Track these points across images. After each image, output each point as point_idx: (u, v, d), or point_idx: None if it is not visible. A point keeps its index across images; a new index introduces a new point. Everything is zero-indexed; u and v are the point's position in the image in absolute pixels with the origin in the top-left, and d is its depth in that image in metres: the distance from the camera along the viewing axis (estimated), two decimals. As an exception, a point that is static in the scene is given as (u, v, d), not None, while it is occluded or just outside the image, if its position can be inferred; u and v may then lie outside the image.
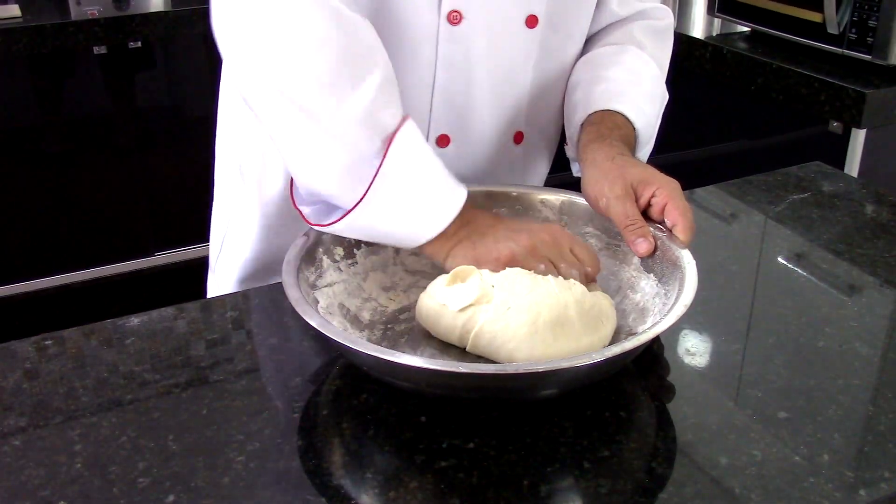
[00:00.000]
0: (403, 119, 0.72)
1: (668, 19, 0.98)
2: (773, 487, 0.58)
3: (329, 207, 0.74)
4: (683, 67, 1.80)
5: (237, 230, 0.96)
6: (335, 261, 0.76)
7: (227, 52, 0.72)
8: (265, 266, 0.93)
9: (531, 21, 0.85)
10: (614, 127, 0.84)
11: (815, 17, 1.58)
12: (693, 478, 0.59)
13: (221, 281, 0.99)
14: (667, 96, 0.93)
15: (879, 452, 0.62)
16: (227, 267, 0.98)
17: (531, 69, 0.89)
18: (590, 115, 0.86)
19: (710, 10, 1.83)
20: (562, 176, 0.96)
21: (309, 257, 0.73)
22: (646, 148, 0.90)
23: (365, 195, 0.70)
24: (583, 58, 0.93)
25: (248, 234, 0.94)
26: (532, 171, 0.99)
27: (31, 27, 1.77)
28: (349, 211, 0.71)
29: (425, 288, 0.73)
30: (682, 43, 1.79)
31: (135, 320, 0.77)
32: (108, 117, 1.93)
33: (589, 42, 0.95)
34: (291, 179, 0.76)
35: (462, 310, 0.68)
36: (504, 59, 0.86)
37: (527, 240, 0.73)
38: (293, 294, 0.67)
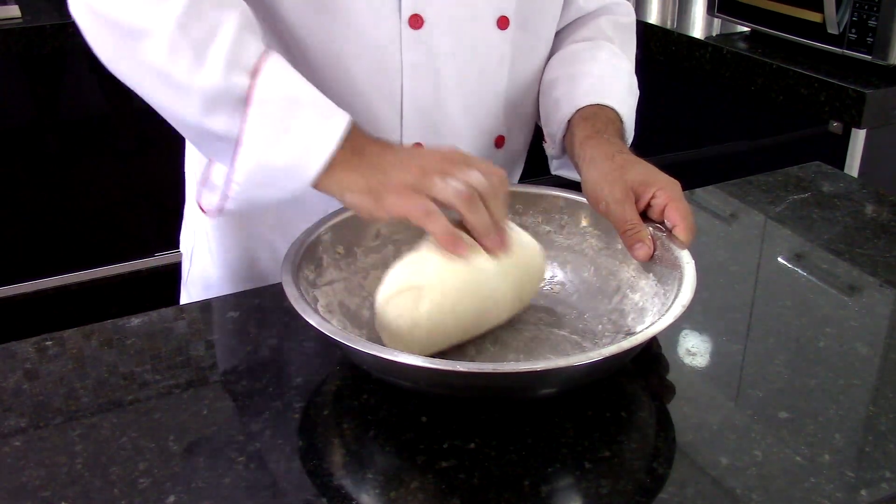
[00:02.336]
0: (266, 52, 0.69)
1: (631, 16, 0.97)
2: (774, 488, 0.58)
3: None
4: (683, 67, 1.80)
5: (204, 240, 0.95)
6: (335, 259, 0.76)
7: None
8: (234, 275, 0.92)
9: (502, 22, 0.84)
10: (608, 122, 0.83)
11: (814, 17, 1.58)
12: (694, 478, 0.59)
13: (193, 292, 0.98)
14: (638, 92, 0.92)
15: (880, 452, 0.62)
16: (196, 278, 0.97)
17: (506, 71, 0.88)
18: (579, 110, 0.84)
19: (710, 10, 1.83)
20: (546, 178, 0.96)
21: (308, 255, 0.73)
22: (627, 142, 0.88)
23: (242, 133, 0.68)
24: (556, 55, 0.92)
25: (215, 244, 0.93)
26: (513, 174, 0.99)
27: (31, 28, 1.77)
28: (234, 158, 0.69)
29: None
30: (682, 43, 1.80)
31: (135, 321, 0.77)
32: (107, 118, 1.93)
33: (558, 38, 0.94)
34: (204, 179, 0.76)
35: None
36: (476, 62, 0.85)
37: (416, 166, 0.68)
38: (292, 293, 0.67)
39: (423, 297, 0.66)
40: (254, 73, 0.68)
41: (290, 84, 0.70)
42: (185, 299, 1.00)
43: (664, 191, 0.74)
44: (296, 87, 0.70)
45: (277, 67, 0.70)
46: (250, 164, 0.69)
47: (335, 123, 0.69)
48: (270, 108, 0.69)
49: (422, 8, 0.80)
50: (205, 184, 0.77)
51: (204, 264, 0.96)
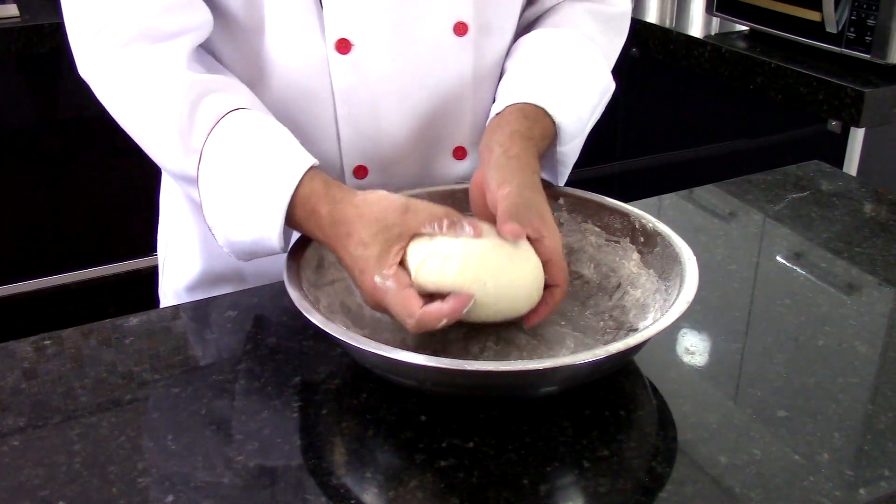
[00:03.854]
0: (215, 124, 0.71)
1: (622, 6, 0.91)
2: (773, 486, 0.58)
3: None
4: (682, 66, 1.80)
5: (179, 244, 0.95)
6: (335, 259, 0.75)
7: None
8: (211, 279, 0.92)
9: (460, 28, 0.80)
10: (541, 133, 0.77)
11: (813, 15, 1.58)
12: (693, 477, 0.59)
13: (169, 294, 0.98)
14: (611, 86, 0.86)
15: (879, 451, 0.62)
16: (172, 280, 0.96)
17: (469, 79, 0.83)
18: (519, 104, 0.78)
19: (709, 9, 1.83)
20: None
21: (310, 255, 0.73)
22: (575, 141, 0.83)
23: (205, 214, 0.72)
24: (516, 42, 0.86)
25: (190, 247, 0.92)
26: None
27: (29, 27, 1.77)
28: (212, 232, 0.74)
29: None
30: (681, 42, 1.80)
31: (133, 320, 0.77)
32: (104, 117, 1.93)
33: (533, 25, 0.88)
34: None
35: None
36: (427, 77, 0.81)
37: (365, 285, 0.67)
38: (295, 293, 0.67)
39: (450, 260, 0.66)
40: (199, 156, 0.71)
41: (232, 159, 0.71)
42: (163, 301, 1.00)
43: (547, 246, 0.69)
44: (238, 159, 0.71)
45: (219, 141, 0.71)
46: (224, 240, 0.74)
47: (278, 196, 0.69)
48: (216, 191, 0.71)
49: (349, 32, 0.77)
50: None
51: (181, 264, 0.95)
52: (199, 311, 0.81)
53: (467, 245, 0.67)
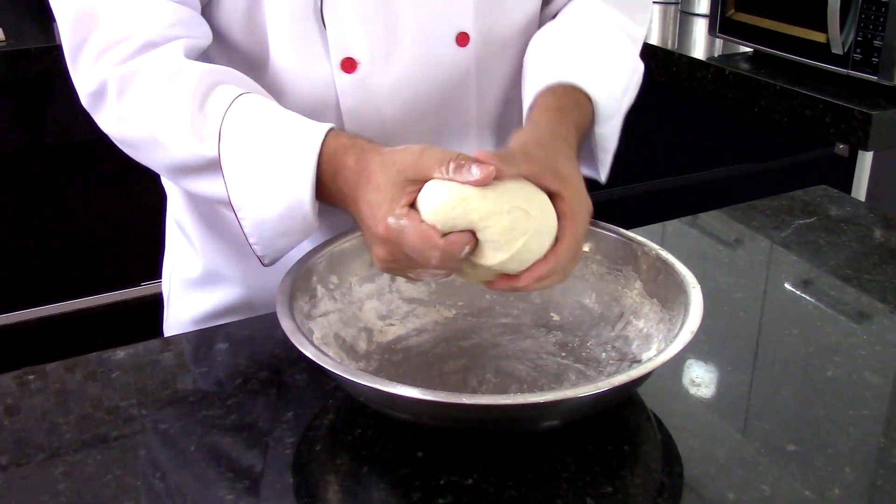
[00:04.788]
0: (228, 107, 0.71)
1: None
2: (783, 523, 0.58)
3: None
4: (685, 89, 1.82)
5: (186, 273, 0.95)
6: (329, 289, 0.76)
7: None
8: (220, 312, 0.92)
9: (462, 39, 0.81)
10: (575, 106, 0.77)
11: (818, 37, 1.59)
12: (700, 514, 0.59)
13: (173, 328, 0.98)
14: (641, 67, 0.88)
15: (892, 486, 0.61)
16: (178, 312, 0.97)
17: (472, 91, 0.85)
18: (549, 85, 0.79)
19: (712, 31, 1.85)
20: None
21: (303, 286, 0.73)
22: (612, 122, 0.83)
23: (230, 198, 0.71)
24: (541, 28, 0.87)
25: (199, 277, 0.93)
26: None
27: (15, 51, 1.78)
28: (240, 223, 0.73)
29: (421, 316, 0.74)
30: (683, 64, 1.81)
31: (120, 353, 0.77)
32: (92, 143, 1.93)
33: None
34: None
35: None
36: (434, 89, 0.83)
37: (380, 251, 0.66)
38: (288, 325, 0.66)
39: (464, 202, 0.64)
40: (218, 135, 0.71)
41: (253, 131, 0.71)
42: (167, 329, 1.00)
43: (566, 202, 0.66)
44: (259, 130, 0.71)
45: (238, 118, 0.71)
46: (252, 225, 0.72)
47: (305, 157, 0.69)
48: (240, 165, 0.71)
49: (354, 50, 0.78)
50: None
51: (190, 299, 0.95)
52: (188, 343, 0.81)
53: (481, 189, 0.64)
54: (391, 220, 0.64)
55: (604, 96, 0.80)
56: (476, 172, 0.63)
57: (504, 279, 0.66)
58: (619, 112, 0.85)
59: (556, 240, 0.66)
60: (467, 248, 0.63)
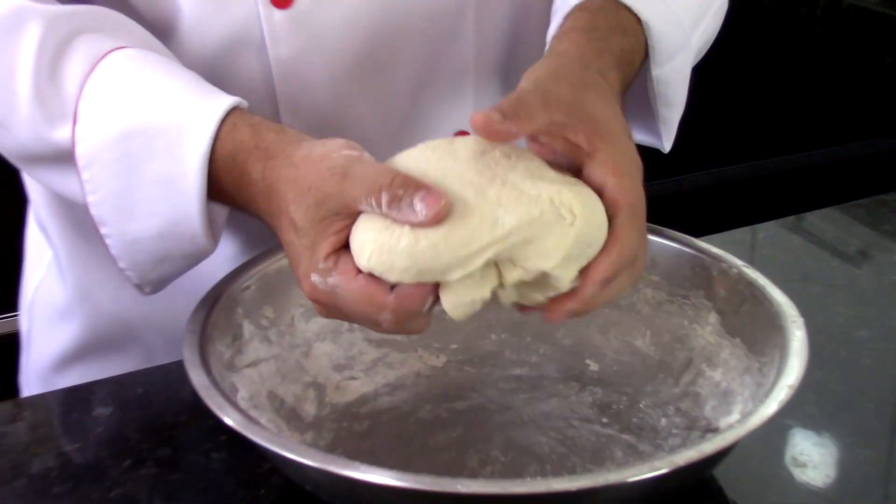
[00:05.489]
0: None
1: None
2: None
3: None
4: (779, 29, 1.81)
5: (50, 299, 0.97)
6: (262, 327, 0.75)
7: None
8: (94, 346, 0.94)
9: None
10: (617, 29, 0.75)
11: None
12: None
13: (32, 378, 1.00)
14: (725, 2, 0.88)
15: None
16: (39, 354, 0.99)
17: (471, 20, 0.85)
18: (581, 3, 0.77)
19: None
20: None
21: (223, 323, 0.72)
22: (676, 62, 0.81)
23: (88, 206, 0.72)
24: None
25: (66, 301, 0.94)
26: None
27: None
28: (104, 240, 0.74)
29: (395, 365, 0.77)
30: None
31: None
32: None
33: None
34: None
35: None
36: (414, 21, 0.83)
37: (305, 284, 0.66)
38: (199, 379, 0.65)
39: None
40: (73, 117, 0.71)
41: (121, 112, 0.71)
42: (24, 376, 1.02)
43: (608, 162, 0.64)
44: (129, 112, 0.71)
45: (100, 92, 0.71)
46: (120, 245, 0.74)
47: (191, 155, 0.69)
48: (102, 162, 0.71)
49: None
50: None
51: (54, 333, 0.96)
52: (52, 406, 0.80)
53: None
54: (315, 279, 0.63)
55: (663, 21, 0.78)
56: (420, 210, 0.60)
57: (557, 302, 0.63)
58: (688, 48, 0.82)
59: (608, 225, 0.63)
60: (430, 299, 0.61)
